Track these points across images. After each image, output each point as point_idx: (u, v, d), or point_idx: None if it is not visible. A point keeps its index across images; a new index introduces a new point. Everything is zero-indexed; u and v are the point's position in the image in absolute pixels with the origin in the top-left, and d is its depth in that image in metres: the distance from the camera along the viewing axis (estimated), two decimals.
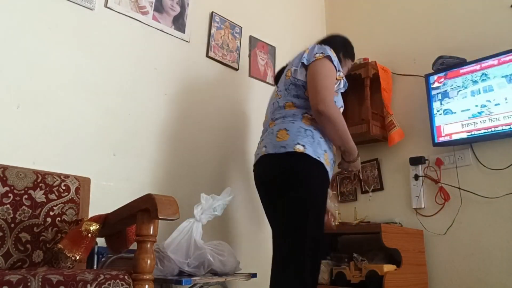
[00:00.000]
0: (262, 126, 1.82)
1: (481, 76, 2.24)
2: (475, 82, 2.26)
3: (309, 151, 1.51)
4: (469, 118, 2.24)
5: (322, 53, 1.60)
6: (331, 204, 1.76)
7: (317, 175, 1.53)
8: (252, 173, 1.73)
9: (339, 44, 1.83)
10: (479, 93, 2.23)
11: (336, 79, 1.64)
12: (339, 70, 1.64)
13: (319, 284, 1.86)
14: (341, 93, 1.75)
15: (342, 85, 1.71)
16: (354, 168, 1.77)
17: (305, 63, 1.62)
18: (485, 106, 2.20)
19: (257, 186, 1.72)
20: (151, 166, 1.93)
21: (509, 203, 2.15)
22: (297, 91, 1.64)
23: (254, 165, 1.70)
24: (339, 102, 1.71)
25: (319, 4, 3.28)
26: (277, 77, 1.86)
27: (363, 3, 3.08)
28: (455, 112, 2.31)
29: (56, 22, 1.71)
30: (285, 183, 1.52)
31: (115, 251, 1.44)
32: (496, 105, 2.16)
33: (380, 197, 2.65)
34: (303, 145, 1.51)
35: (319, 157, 1.52)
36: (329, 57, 1.59)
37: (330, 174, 1.60)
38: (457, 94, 2.31)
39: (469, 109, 2.25)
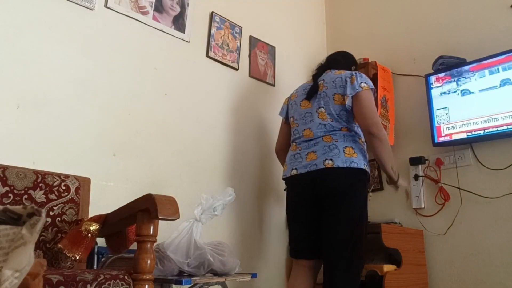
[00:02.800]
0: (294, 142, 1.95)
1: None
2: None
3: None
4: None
5: (366, 84, 1.81)
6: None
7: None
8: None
9: (355, 63, 2.09)
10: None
11: None
12: None
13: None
14: None
15: None
16: (401, 186, 2.04)
17: (356, 90, 1.78)
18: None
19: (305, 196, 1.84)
20: (151, 166, 1.93)
21: (509, 203, 2.14)
22: (348, 117, 1.84)
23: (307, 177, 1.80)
24: None
25: (319, 4, 3.28)
26: (310, 93, 1.92)
27: (363, 4, 3.08)
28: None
29: (56, 22, 1.71)
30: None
31: (115, 251, 1.44)
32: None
33: (380, 197, 2.65)
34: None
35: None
36: (373, 90, 1.84)
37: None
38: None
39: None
